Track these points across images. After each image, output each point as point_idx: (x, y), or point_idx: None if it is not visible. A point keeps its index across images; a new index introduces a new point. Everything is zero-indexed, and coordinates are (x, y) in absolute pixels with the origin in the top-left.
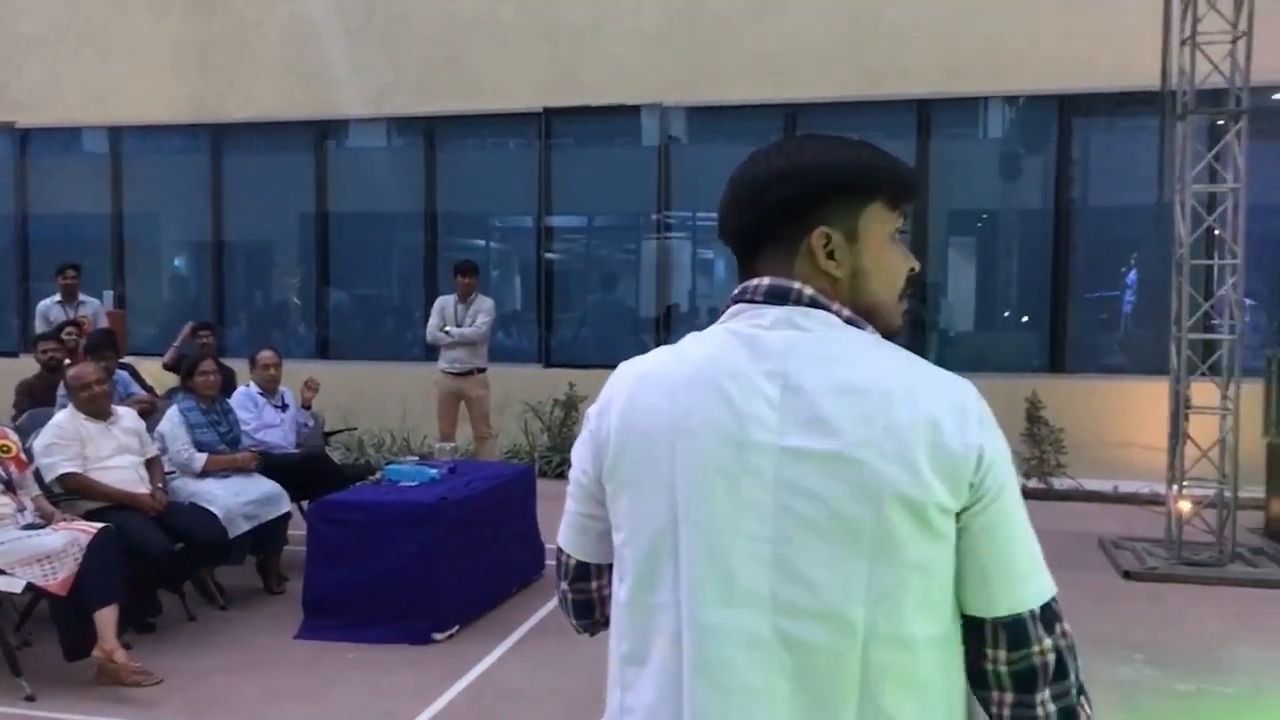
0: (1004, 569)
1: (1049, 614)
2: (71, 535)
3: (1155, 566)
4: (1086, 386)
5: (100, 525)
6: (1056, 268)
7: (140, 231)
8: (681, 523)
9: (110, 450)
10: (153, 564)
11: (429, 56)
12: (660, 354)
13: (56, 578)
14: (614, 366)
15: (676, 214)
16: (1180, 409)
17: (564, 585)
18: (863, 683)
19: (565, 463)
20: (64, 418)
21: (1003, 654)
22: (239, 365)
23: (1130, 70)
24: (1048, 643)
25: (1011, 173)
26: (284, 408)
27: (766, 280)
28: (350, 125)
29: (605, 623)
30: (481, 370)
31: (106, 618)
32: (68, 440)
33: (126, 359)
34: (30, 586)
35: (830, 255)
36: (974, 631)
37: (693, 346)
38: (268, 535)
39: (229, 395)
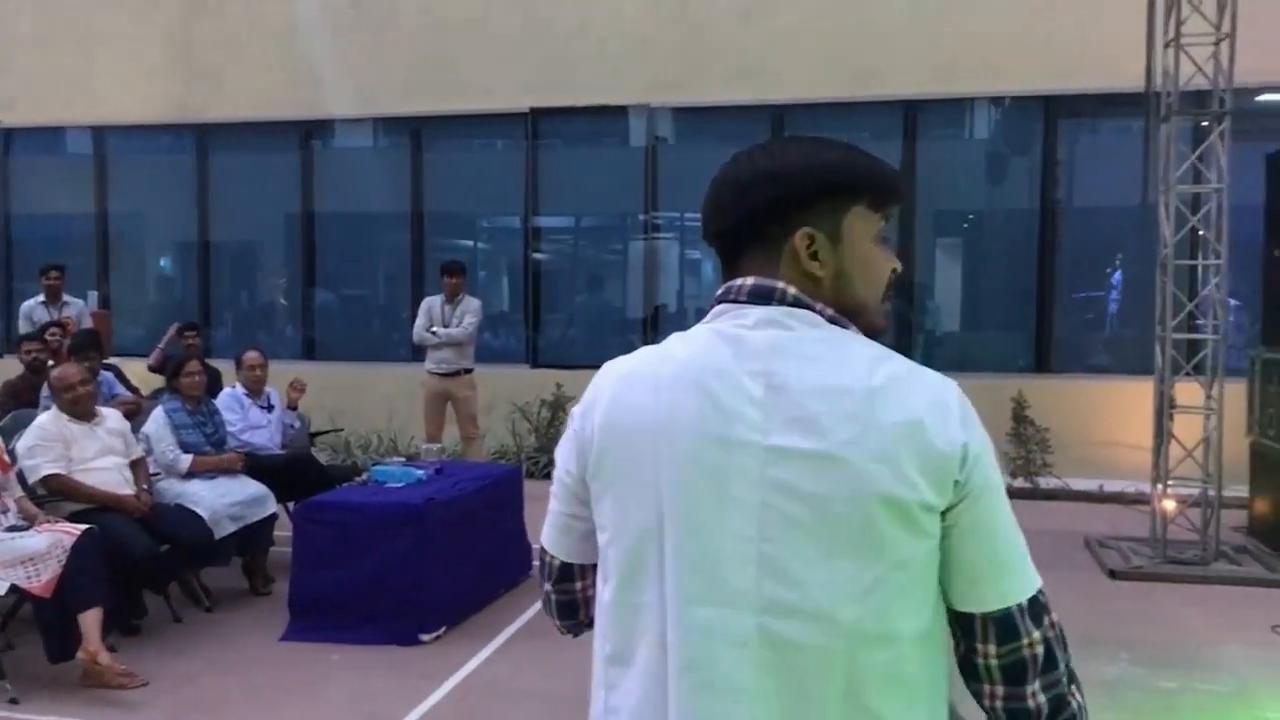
0: (991, 564)
1: (1037, 607)
2: (55, 537)
3: (1140, 565)
4: (1072, 386)
5: (84, 527)
6: (1042, 268)
7: (125, 232)
8: (666, 522)
9: (94, 451)
10: (137, 566)
11: (415, 56)
12: (644, 353)
13: (40, 580)
14: (601, 367)
15: (664, 214)
16: (1165, 409)
17: (548, 586)
18: (848, 680)
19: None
20: (48, 419)
21: (992, 648)
22: (225, 366)
23: (1115, 72)
24: (1036, 635)
25: (997, 174)
26: (270, 409)
27: (750, 280)
28: (336, 125)
29: (589, 623)
30: (468, 371)
31: (91, 620)
32: (51, 441)
33: (111, 360)
34: (14, 589)
35: (814, 256)
36: (963, 626)
37: (677, 346)
38: (253, 536)
39: (214, 396)
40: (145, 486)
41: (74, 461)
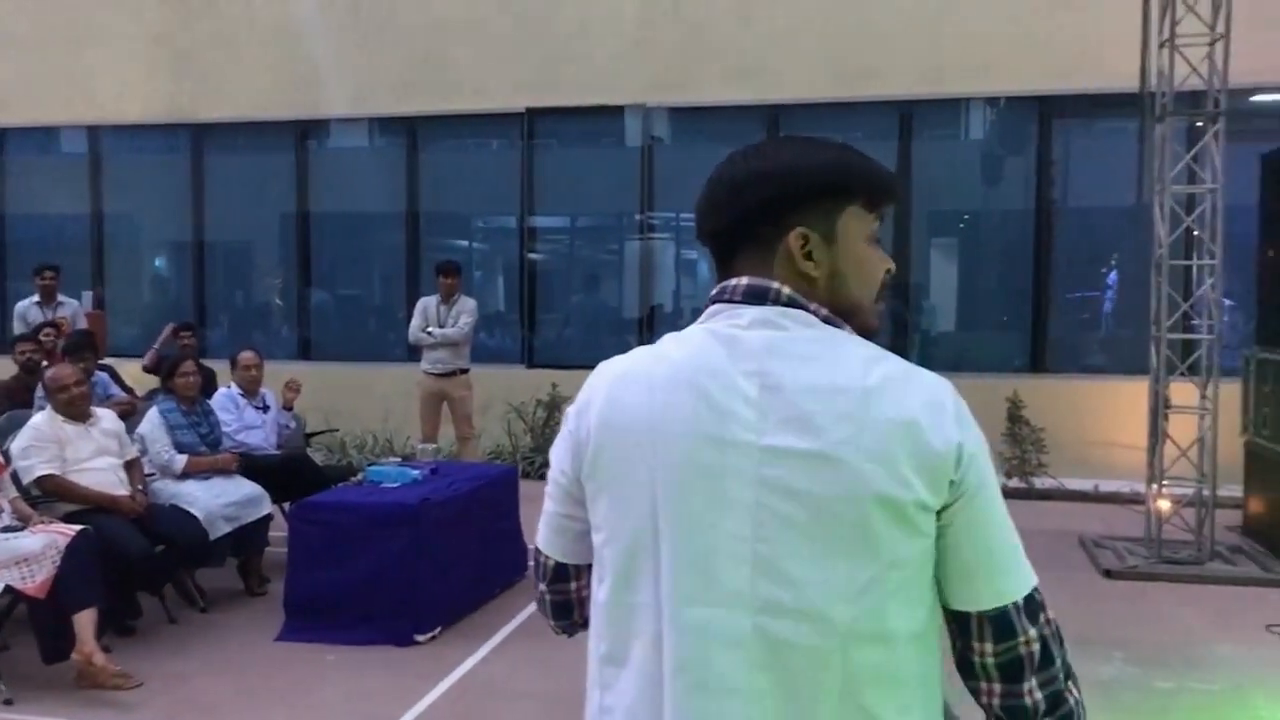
0: (987, 563)
1: (1032, 604)
2: (50, 538)
3: (1135, 565)
4: (1067, 386)
5: (79, 527)
6: (1037, 268)
7: (120, 232)
8: (661, 522)
9: (89, 452)
10: (132, 566)
11: (411, 56)
12: (639, 354)
13: (35, 580)
14: (596, 368)
15: (659, 215)
16: (1160, 408)
17: (542, 587)
18: (843, 680)
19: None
20: (42, 419)
21: (989, 646)
22: (220, 366)
23: (1110, 72)
24: (1032, 633)
25: (992, 174)
26: (265, 409)
27: (745, 280)
28: (332, 125)
29: (584, 624)
30: (464, 371)
31: (85, 620)
32: (46, 442)
33: (106, 360)
34: (8, 589)
35: (808, 256)
36: (960, 625)
37: (672, 346)
38: (249, 537)
39: (210, 396)
40: (140, 487)
41: (69, 462)
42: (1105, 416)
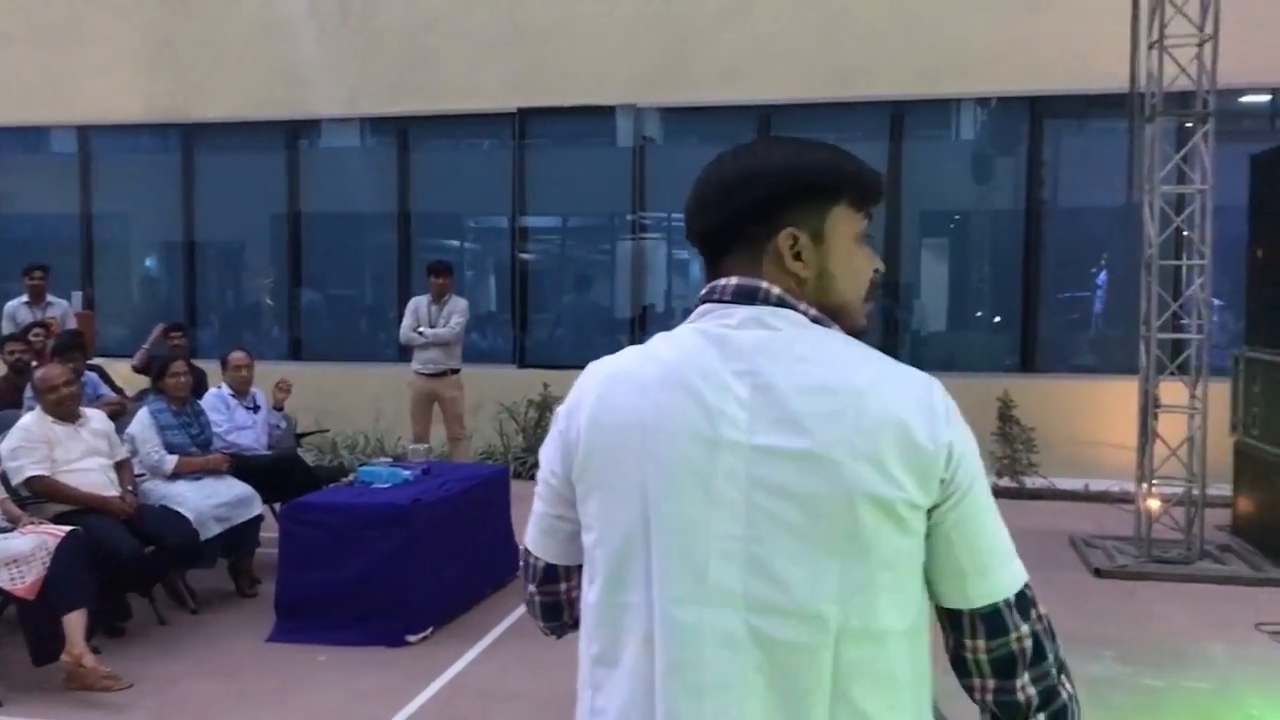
0: (978, 561)
1: (1024, 601)
2: (39, 539)
3: (1125, 564)
4: (1057, 386)
5: (69, 529)
6: (1027, 268)
7: (109, 232)
8: (653, 522)
9: (79, 453)
10: (122, 567)
11: (402, 56)
12: (629, 354)
13: (24, 581)
14: (585, 368)
15: (651, 214)
16: (1149, 408)
17: (531, 588)
18: (835, 678)
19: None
20: (31, 420)
21: (981, 643)
22: (210, 367)
23: (1099, 73)
24: (1024, 629)
25: (983, 174)
26: (256, 409)
27: (734, 280)
28: (323, 125)
29: (574, 625)
30: (455, 371)
31: (75, 622)
32: (35, 443)
33: (96, 360)
34: None
35: (797, 256)
36: (952, 623)
37: (662, 346)
38: (239, 538)
39: (200, 397)
40: (130, 488)
41: (58, 463)
42: (1095, 416)
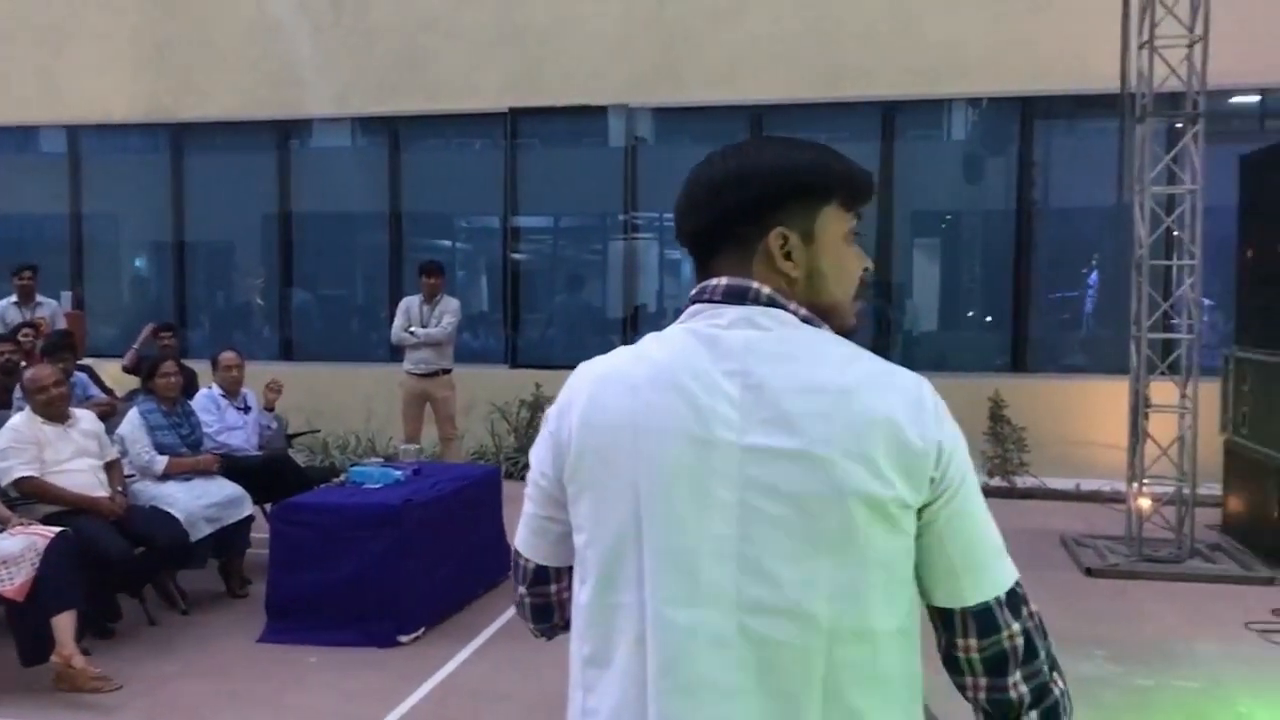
0: (969, 559)
1: (1015, 599)
2: (29, 540)
3: (1116, 563)
4: (1048, 386)
5: (58, 529)
6: (1018, 268)
7: (99, 231)
8: (645, 523)
9: (68, 453)
10: (112, 568)
11: (394, 55)
12: (620, 354)
13: (13, 583)
14: (575, 369)
15: (643, 215)
16: (1140, 408)
17: (522, 589)
18: (827, 678)
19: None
20: (20, 421)
21: (973, 642)
22: (201, 367)
23: (1090, 73)
24: (1016, 627)
25: (974, 174)
26: (246, 410)
27: (724, 280)
28: (314, 125)
29: (564, 626)
30: (447, 371)
31: (64, 623)
32: (24, 444)
33: (85, 361)
34: None
35: (787, 256)
36: (944, 622)
37: (653, 346)
38: (230, 538)
39: (190, 397)
40: (120, 488)
41: (47, 464)
42: (1086, 416)
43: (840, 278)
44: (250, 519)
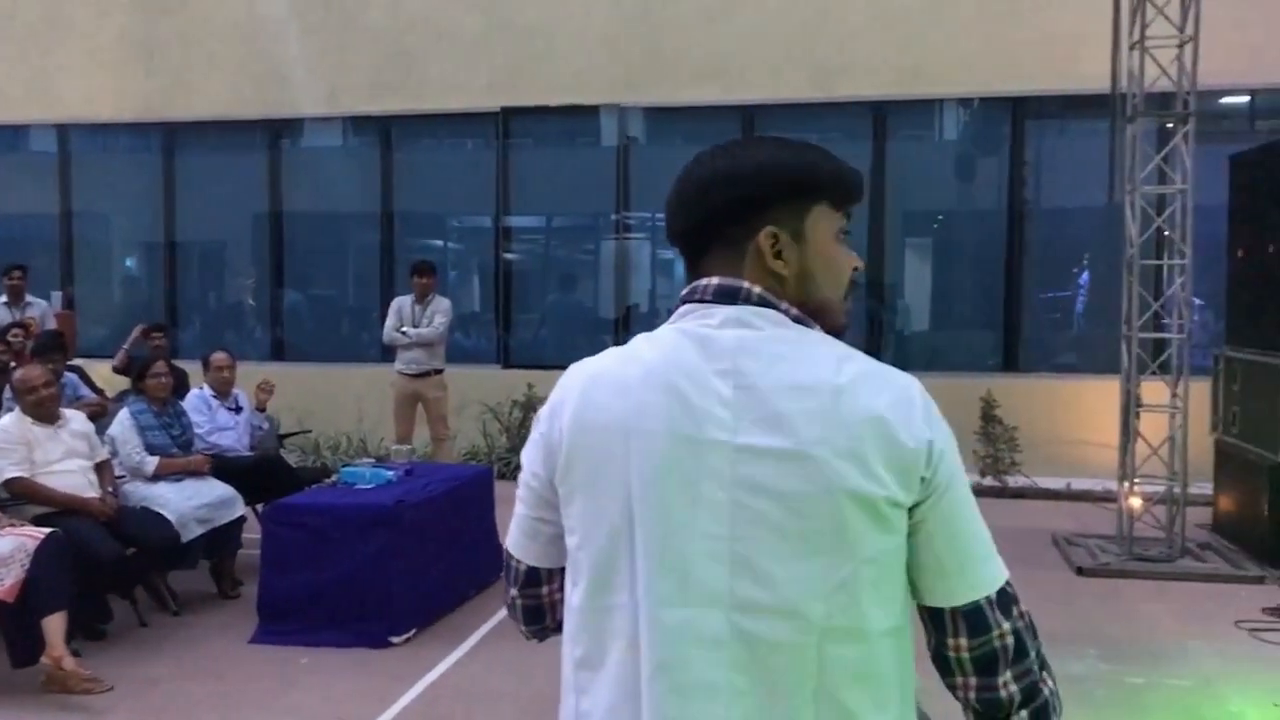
0: (959, 559)
1: (1005, 598)
2: (19, 541)
3: (1108, 562)
4: (1040, 385)
5: (48, 530)
6: (1010, 268)
7: (89, 231)
8: (637, 523)
9: (59, 454)
10: (103, 569)
11: (385, 55)
12: (611, 354)
13: (3, 584)
14: (566, 370)
15: (635, 214)
16: (1131, 407)
17: (513, 591)
18: (820, 677)
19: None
20: (10, 421)
21: (964, 641)
22: (192, 367)
23: (1081, 74)
24: (1006, 626)
25: (966, 174)
26: (238, 410)
27: (715, 280)
28: (305, 124)
29: (556, 628)
30: (439, 371)
31: (55, 624)
32: (14, 444)
33: (75, 361)
34: None
35: (778, 255)
36: (935, 621)
37: (644, 347)
38: (221, 539)
39: (181, 398)
40: (110, 489)
41: (37, 464)
42: (1077, 415)
43: (830, 277)
44: (242, 520)
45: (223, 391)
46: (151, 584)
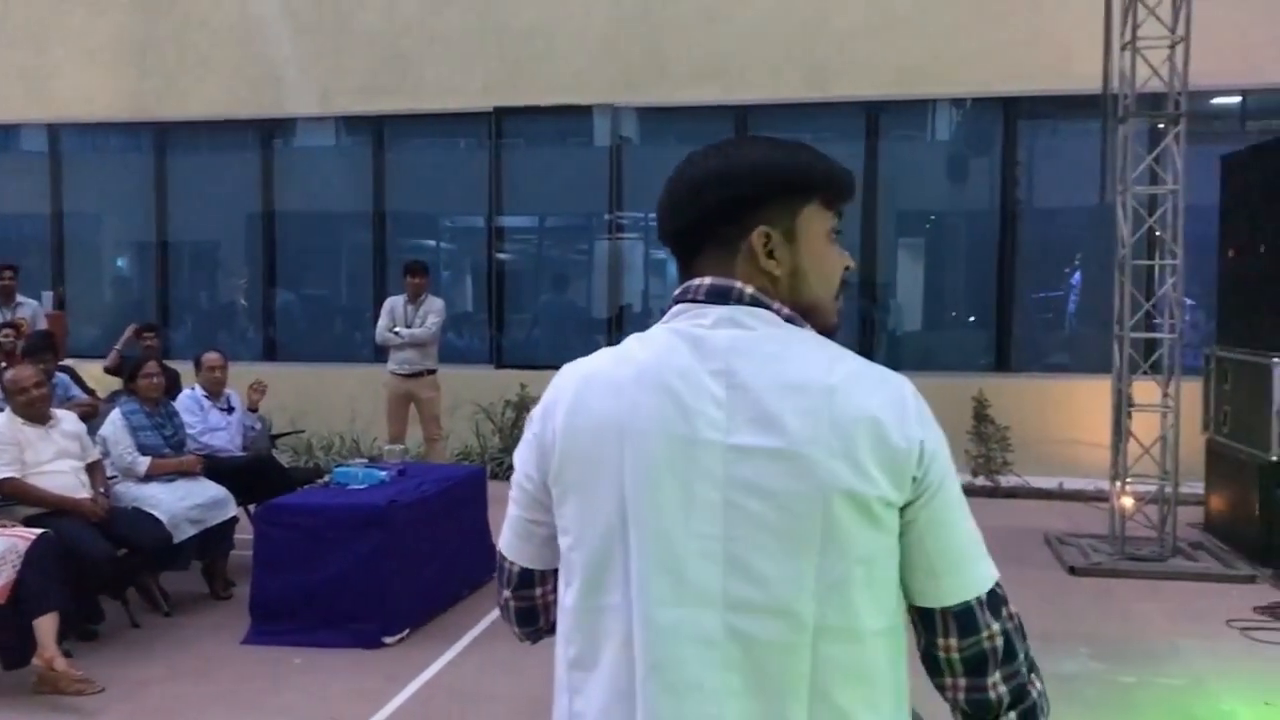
0: (949, 559)
1: (995, 599)
2: (10, 542)
3: (1100, 562)
4: (1032, 385)
5: (40, 531)
6: (1002, 268)
7: (81, 231)
8: (631, 523)
9: (50, 455)
10: (94, 570)
11: (378, 54)
12: (604, 355)
13: None
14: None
15: (629, 214)
16: (1123, 407)
17: (506, 593)
18: (813, 676)
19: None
20: (1, 422)
21: (954, 642)
22: (184, 367)
23: (1073, 74)
24: (995, 627)
25: (958, 174)
26: (230, 410)
27: (708, 280)
28: (298, 124)
29: (550, 629)
30: (431, 371)
31: (46, 625)
32: (5, 445)
33: (67, 361)
34: None
35: (770, 254)
36: (925, 622)
37: (636, 347)
38: (214, 540)
39: (173, 398)
40: (102, 490)
41: (28, 465)
42: (1069, 415)
43: (822, 276)
44: (234, 520)
45: (215, 392)
46: (143, 585)
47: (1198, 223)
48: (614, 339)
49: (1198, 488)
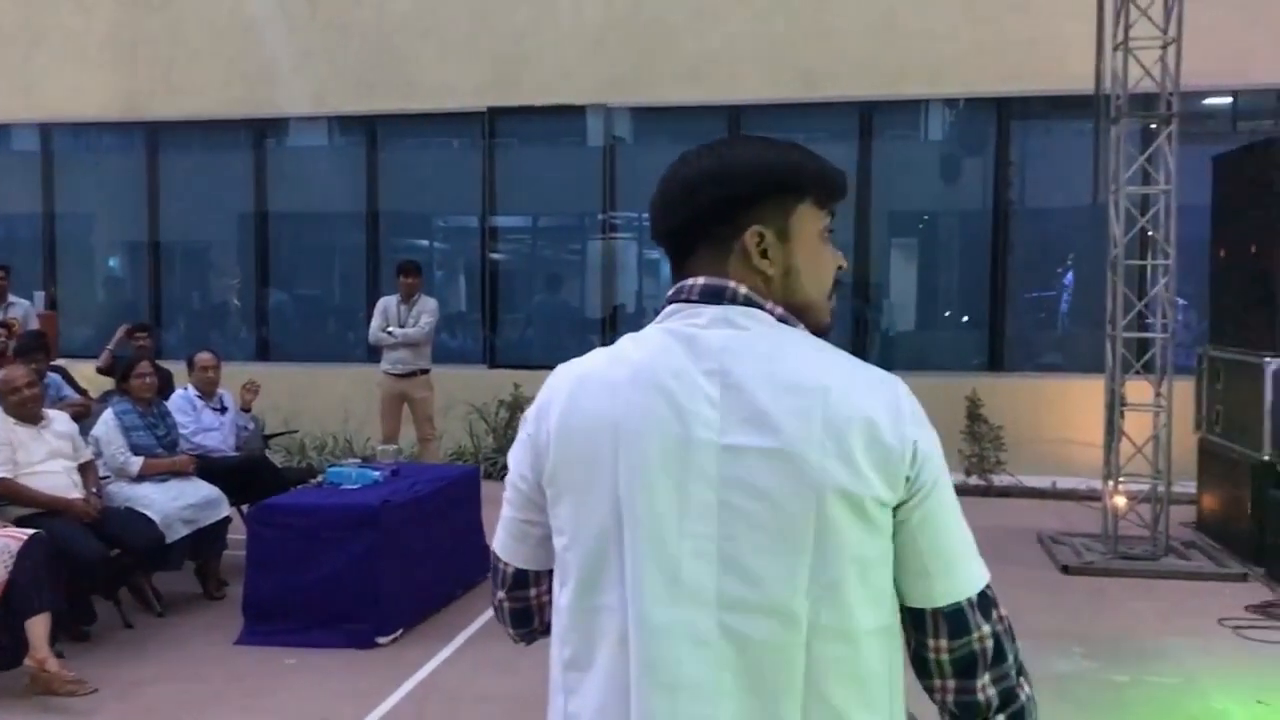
0: (941, 560)
1: (985, 601)
2: (1, 543)
3: (1092, 561)
4: (1025, 385)
5: (31, 532)
6: (995, 268)
7: (73, 231)
8: (626, 523)
9: (42, 455)
10: (87, 571)
11: (371, 54)
12: (598, 355)
13: None
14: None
15: (622, 214)
16: (1115, 406)
17: (501, 594)
18: (808, 676)
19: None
20: None
21: (944, 643)
22: (176, 368)
23: (1065, 75)
24: (986, 629)
25: (951, 174)
26: (223, 410)
27: (701, 280)
28: (290, 124)
29: (544, 630)
30: (425, 371)
31: (38, 626)
32: None
33: (59, 361)
34: None
35: (764, 254)
36: (916, 623)
37: (630, 347)
38: (207, 540)
39: (166, 398)
40: (94, 490)
41: (20, 465)
42: (1062, 414)
43: (815, 275)
44: (227, 520)
45: (208, 392)
46: (136, 585)
47: (1190, 223)
48: (608, 339)
49: (1190, 487)
